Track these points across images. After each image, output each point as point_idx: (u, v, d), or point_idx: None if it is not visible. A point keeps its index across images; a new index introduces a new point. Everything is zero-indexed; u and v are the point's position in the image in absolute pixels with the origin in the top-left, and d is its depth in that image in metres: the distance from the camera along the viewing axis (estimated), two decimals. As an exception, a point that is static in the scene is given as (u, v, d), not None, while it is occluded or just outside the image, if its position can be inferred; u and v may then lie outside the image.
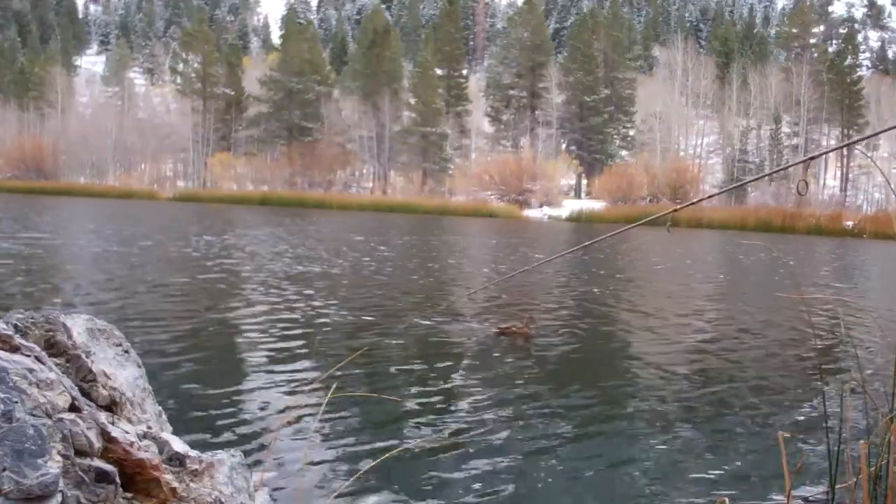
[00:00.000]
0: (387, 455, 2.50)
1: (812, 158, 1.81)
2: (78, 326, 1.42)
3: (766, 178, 51.60)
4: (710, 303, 9.11)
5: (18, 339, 1.09)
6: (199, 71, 65.35)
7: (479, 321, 6.63)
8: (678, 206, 2.04)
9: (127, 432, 1.16)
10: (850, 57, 60.89)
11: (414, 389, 4.10)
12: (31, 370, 1.02)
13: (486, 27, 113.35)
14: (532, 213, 48.39)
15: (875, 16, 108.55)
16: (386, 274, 10.52)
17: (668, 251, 19.56)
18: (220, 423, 3.36)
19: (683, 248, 21.28)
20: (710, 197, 2.35)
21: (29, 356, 1.06)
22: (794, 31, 69.00)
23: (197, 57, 65.69)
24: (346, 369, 4.23)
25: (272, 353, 4.84)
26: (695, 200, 2.18)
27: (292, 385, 4.05)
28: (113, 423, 1.16)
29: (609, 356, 5.46)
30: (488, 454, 3.12)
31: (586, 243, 2.75)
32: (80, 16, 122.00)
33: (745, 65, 61.96)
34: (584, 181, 59.78)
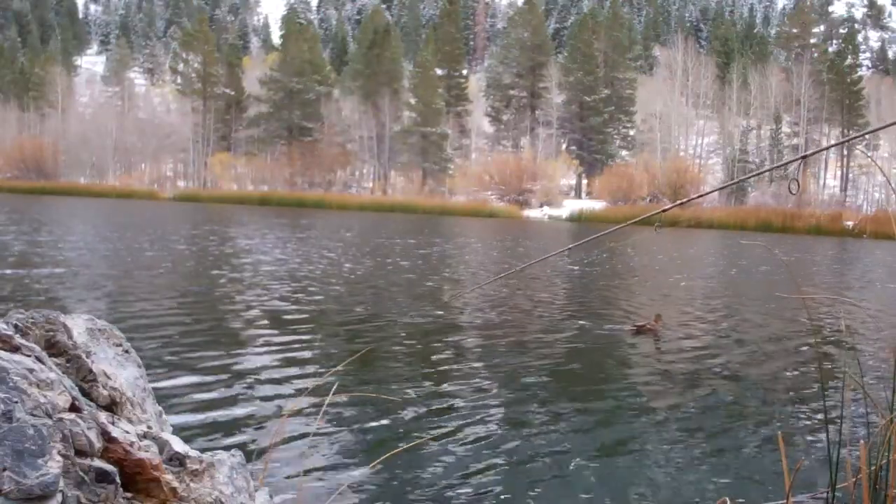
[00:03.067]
0: (387, 455, 2.50)
1: (804, 157, 1.81)
2: (78, 326, 1.42)
3: (765, 178, 51.66)
4: (709, 303, 9.10)
5: (18, 339, 1.09)
6: (199, 71, 65.36)
7: (474, 319, 6.63)
8: (666, 207, 2.04)
9: (127, 432, 1.16)
10: (850, 57, 60.88)
11: (414, 389, 4.10)
12: (31, 370, 1.02)
13: (486, 27, 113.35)
14: (532, 213, 48.39)
15: (875, 16, 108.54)
16: (391, 273, 10.52)
17: (666, 252, 19.56)
18: (220, 423, 3.36)
19: (682, 248, 21.28)
20: (697, 197, 2.35)
21: (29, 356, 1.06)
22: (794, 31, 69.03)
23: (197, 57, 65.69)
24: (347, 369, 4.23)
25: (274, 353, 4.84)
26: (682, 201, 2.18)
27: (293, 385, 4.05)
28: (113, 423, 1.16)
29: (603, 356, 5.46)
30: (489, 454, 3.12)
31: (575, 244, 2.75)
32: (80, 16, 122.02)
33: (745, 65, 61.94)
34: (585, 181, 59.77)
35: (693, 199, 2.23)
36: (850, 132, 57.77)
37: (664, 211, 2.02)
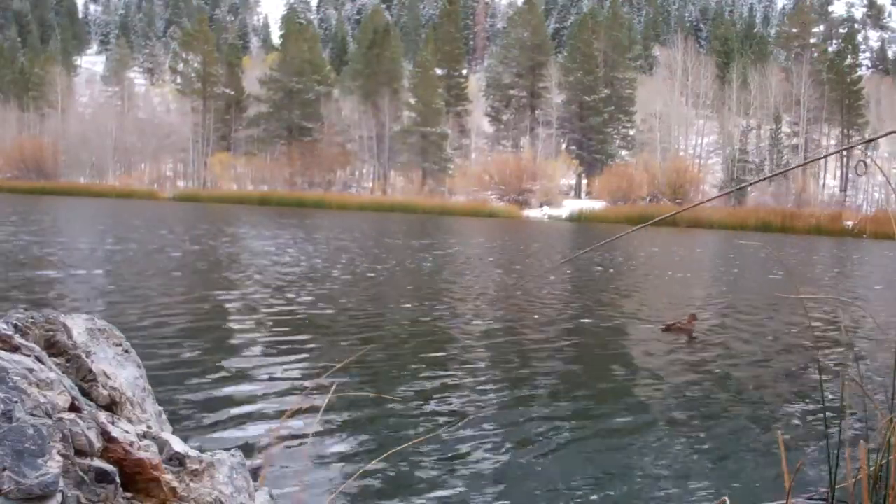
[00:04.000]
0: (387, 454, 2.50)
1: (870, 141, 1.84)
2: (78, 326, 1.42)
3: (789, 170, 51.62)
4: (709, 303, 9.10)
5: (18, 339, 1.09)
6: (199, 71, 65.36)
7: (476, 317, 6.63)
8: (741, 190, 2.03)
9: (127, 432, 1.16)
10: (850, 57, 60.89)
11: (413, 388, 4.10)
12: (31, 370, 1.02)
13: (486, 27, 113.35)
14: (532, 212, 48.39)
15: (875, 16, 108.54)
16: (389, 274, 10.52)
17: (666, 252, 19.57)
18: (220, 423, 3.36)
19: (682, 248, 21.28)
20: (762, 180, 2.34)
21: (29, 356, 1.06)
22: (794, 31, 69.04)
23: (197, 57, 65.69)
24: (346, 369, 4.23)
25: (274, 353, 4.84)
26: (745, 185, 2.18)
27: (294, 384, 4.04)
28: (113, 423, 1.16)
29: (600, 357, 5.45)
30: (491, 453, 3.12)
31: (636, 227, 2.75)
32: (80, 16, 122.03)
33: (745, 65, 61.93)
34: (584, 181, 59.77)
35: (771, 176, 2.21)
36: (850, 132, 57.83)
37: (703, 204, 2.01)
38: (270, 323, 5.98)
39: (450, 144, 61.01)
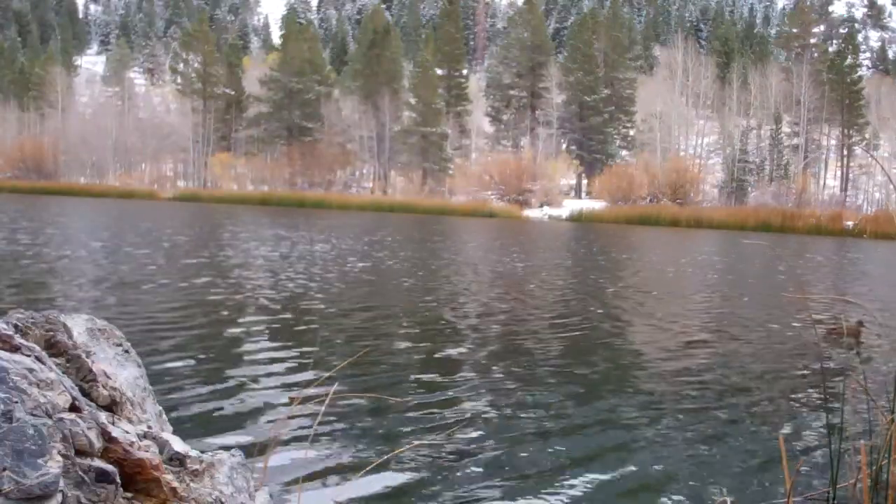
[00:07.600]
0: (388, 455, 2.50)
1: None
2: (78, 326, 1.43)
3: (765, 177, 51.64)
4: (710, 302, 9.10)
5: (18, 339, 1.09)
6: (199, 71, 65.36)
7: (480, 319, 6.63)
8: None
9: (127, 432, 1.16)
10: (850, 57, 60.81)
11: (415, 390, 4.10)
12: (31, 370, 1.02)
13: (486, 27, 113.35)
14: (532, 212, 48.38)
15: (875, 16, 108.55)
16: (392, 274, 10.52)
17: (667, 251, 19.57)
18: (220, 423, 3.36)
19: (683, 247, 21.28)
20: None
21: (29, 356, 1.06)
22: (794, 31, 68.96)
23: (197, 57, 65.70)
24: (348, 369, 4.23)
25: (275, 353, 4.83)
26: None
27: (294, 384, 4.04)
28: (113, 423, 1.16)
29: (599, 353, 5.45)
30: (492, 453, 3.12)
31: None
32: (80, 16, 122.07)
33: (745, 65, 61.88)
34: (585, 181, 59.77)
35: None
36: (851, 132, 57.83)
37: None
38: (272, 323, 5.98)
39: (450, 144, 60.98)
